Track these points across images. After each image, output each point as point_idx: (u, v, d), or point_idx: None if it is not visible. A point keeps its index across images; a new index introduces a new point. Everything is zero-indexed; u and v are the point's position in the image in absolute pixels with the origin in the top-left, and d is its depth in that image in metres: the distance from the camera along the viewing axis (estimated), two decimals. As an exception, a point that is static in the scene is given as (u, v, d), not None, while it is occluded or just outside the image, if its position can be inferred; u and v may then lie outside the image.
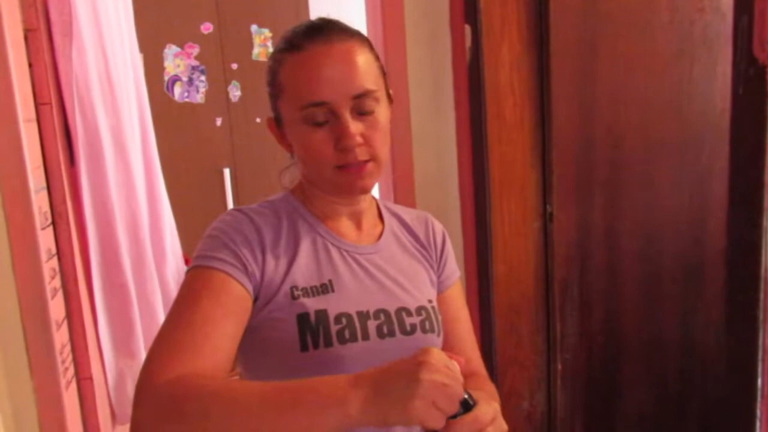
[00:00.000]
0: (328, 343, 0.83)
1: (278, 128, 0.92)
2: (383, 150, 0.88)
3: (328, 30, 0.86)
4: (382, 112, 0.88)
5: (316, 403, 0.64)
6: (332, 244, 0.92)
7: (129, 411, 1.43)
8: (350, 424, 0.63)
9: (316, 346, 0.83)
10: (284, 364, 0.85)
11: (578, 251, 1.50)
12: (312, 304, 0.85)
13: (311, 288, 0.86)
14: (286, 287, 0.85)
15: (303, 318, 0.84)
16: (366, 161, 0.85)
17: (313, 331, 0.84)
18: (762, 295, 1.47)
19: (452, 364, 0.67)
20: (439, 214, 1.51)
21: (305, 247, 0.89)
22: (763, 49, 1.40)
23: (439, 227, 1.05)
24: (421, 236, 1.02)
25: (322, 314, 0.84)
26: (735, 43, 1.45)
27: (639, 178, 1.49)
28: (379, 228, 0.99)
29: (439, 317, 0.96)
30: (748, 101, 1.45)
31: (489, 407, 0.70)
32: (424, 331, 0.91)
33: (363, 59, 0.85)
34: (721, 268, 1.53)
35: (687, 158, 1.50)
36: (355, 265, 0.91)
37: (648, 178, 1.50)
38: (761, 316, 1.48)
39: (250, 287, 0.83)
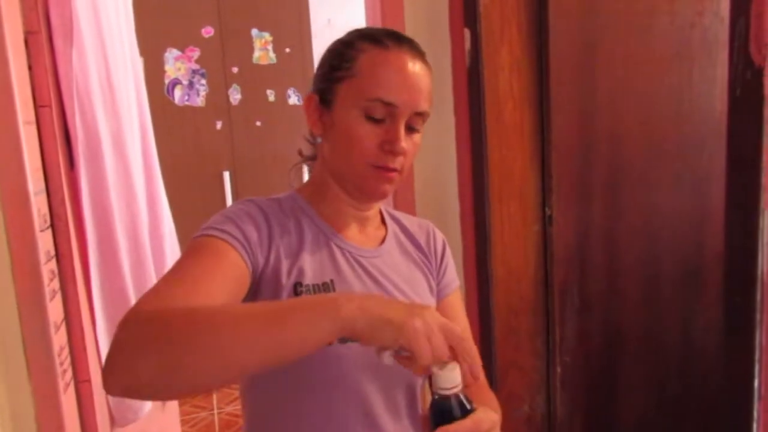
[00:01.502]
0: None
1: (320, 107, 0.92)
2: (408, 168, 0.92)
3: (414, 45, 0.91)
4: (421, 136, 0.92)
5: (309, 306, 0.66)
6: (336, 245, 0.92)
7: (127, 414, 1.44)
8: (342, 326, 0.65)
9: None
10: None
11: (577, 254, 1.50)
12: None
13: (314, 286, 0.87)
14: (290, 283, 0.86)
15: None
16: (397, 170, 0.88)
17: None
18: (759, 297, 1.47)
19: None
20: (438, 217, 1.51)
21: (310, 245, 0.90)
22: (760, 52, 1.40)
23: (440, 236, 1.07)
24: (422, 243, 1.03)
25: None
26: (732, 45, 1.46)
27: (638, 181, 1.49)
28: (381, 232, 1.00)
29: None
30: (745, 104, 1.45)
31: (487, 416, 0.71)
32: None
33: (430, 84, 0.90)
34: (719, 270, 1.53)
35: (686, 161, 1.50)
36: (357, 267, 0.92)
37: (647, 181, 1.50)
38: (758, 318, 1.48)
39: (249, 265, 0.83)
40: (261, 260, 0.85)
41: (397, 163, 0.87)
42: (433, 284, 1.01)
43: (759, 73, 1.42)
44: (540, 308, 1.51)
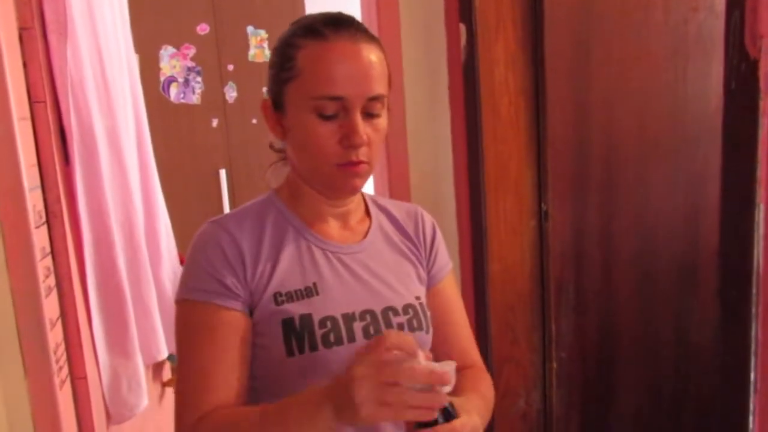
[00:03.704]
0: (314, 348, 0.84)
1: (275, 112, 0.89)
2: (378, 155, 0.89)
3: (354, 27, 0.86)
4: (385, 118, 0.88)
5: (300, 418, 0.72)
6: (316, 246, 0.91)
7: (123, 411, 1.44)
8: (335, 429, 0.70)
9: (301, 350, 0.84)
10: (272, 368, 0.86)
11: (573, 250, 1.50)
12: (296, 308, 0.85)
13: (295, 292, 0.86)
14: (269, 294, 0.85)
15: (288, 323, 0.84)
16: (364, 162, 0.86)
17: (298, 336, 0.84)
18: (755, 290, 1.48)
19: (407, 342, 0.68)
20: (434, 211, 1.51)
21: (288, 251, 0.89)
22: (755, 44, 1.41)
23: (429, 220, 1.04)
24: (411, 231, 1.01)
25: (306, 319, 0.85)
26: (727, 38, 1.46)
27: (634, 177, 1.50)
28: (365, 224, 0.98)
29: (428, 313, 0.96)
30: (740, 96, 1.46)
31: (469, 421, 0.72)
32: (411, 329, 0.91)
33: (380, 63, 0.86)
34: (714, 264, 1.53)
35: (681, 157, 1.51)
36: (339, 267, 0.91)
37: (643, 177, 1.50)
38: (754, 311, 1.48)
39: (242, 307, 0.85)
40: (246, 292, 0.85)
41: (362, 154, 0.84)
42: (422, 273, 1.00)
43: (754, 65, 1.42)
44: (536, 304, 1.52)
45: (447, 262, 1.04)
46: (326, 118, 0.83)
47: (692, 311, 1.56)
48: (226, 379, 0.82)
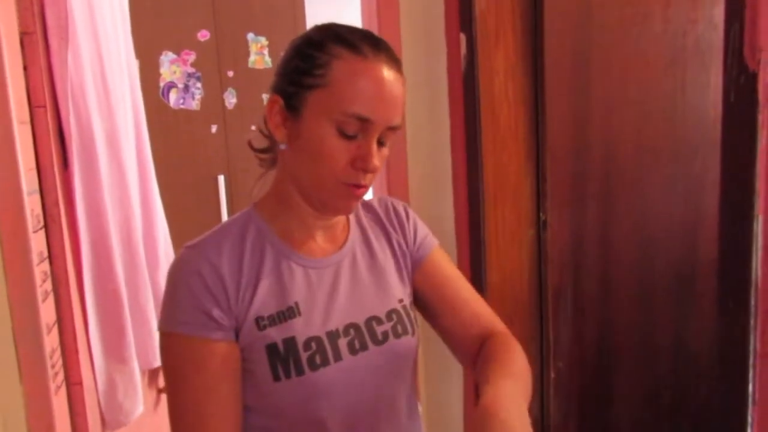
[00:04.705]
0: (300, 372, 0.83)
1: (284, 112, 0.86)
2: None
3: (390, 53, 0.85)
4: (387, 149, 0.88)
5: None
6: (297, 263, 0.89)
7: (119, 417, 1.43)
8: None
9: (288, 375, 0.83)
10: (260, 393, 0.86)
11: (572, 259, 1.50)
12: (279, 333, 0.84)
13: (277, 314, 0.85)
14: (251, 319, 0.84)
15: (272, 349, 0.84)
16: (367, 187, 0.86)
17: (283, 361, 0.83)
18: (753, 302, 1.47)
19: None
20: (433, 220, 1.51)
21: (268, 272, 0.87)
22: (754, 57, 1.41)
23: (399, 203, 1.04)
24: (382, 215, 1.00)
25: (290, 342, 0.84)
26: (726, 51, 1.47)
27: (632, 186, 1.50)
28: (346, 230, 0.97)
29: (412, 315, 0.95)
30: (739, 109, 1.46)
31: None
32: (396, 335, 0.91)
33: (404, 95, 0.86)
34: (713, 274, 1.53)
35: (680, 167, 1.51)
36: (320, 282, 0.89)
37: (641, 187, 1.50)
38: (752, 322, 1.48)
39: (230, 336, 0.84)
40: (232, 320, 0.84)
41: (367, 179, 0.84)
42: (406, 260, 0.98)
43: (753, 78, 1.43)
44: (534, 313, 1.51)
45: (427, 235, 1.03)
46: (345, 135, 0.82)
47: (691, 320, 1.55)
48: (222, 414, 0.82)
